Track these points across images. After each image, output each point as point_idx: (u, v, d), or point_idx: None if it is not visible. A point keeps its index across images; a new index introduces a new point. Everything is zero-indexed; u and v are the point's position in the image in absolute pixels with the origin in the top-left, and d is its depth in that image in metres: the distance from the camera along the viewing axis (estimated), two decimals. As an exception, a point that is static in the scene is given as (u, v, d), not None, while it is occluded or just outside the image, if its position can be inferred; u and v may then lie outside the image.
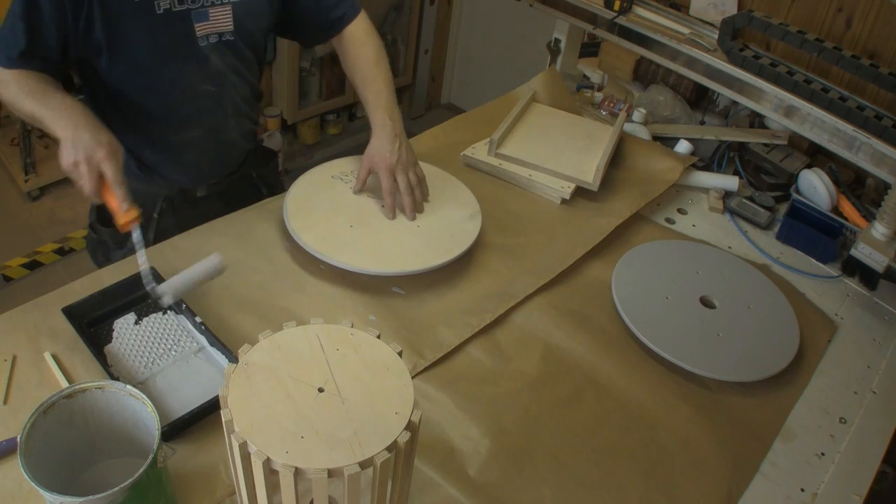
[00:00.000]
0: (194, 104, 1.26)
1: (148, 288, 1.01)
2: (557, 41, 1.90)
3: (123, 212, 1.00)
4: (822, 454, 1.03)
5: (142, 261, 1.01)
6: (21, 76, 1.10)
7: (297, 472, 0.64)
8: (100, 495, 0.70)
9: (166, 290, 1.00)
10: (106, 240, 1.35)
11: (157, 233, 1.36)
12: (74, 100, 1.09)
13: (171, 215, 1.37)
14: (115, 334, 1.04)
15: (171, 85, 1.22)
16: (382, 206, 1.30)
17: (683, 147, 1.60)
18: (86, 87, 1.24)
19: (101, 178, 1.01)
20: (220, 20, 1.20)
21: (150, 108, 1.23)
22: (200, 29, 1.18)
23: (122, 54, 1.15)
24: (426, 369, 1.07)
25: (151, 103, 1.23)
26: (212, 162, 1.37)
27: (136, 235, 1.02)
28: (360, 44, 1.35)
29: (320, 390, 0.71)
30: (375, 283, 1.19)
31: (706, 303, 1.24)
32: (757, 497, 0.96)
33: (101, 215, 1.36)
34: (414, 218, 1.28)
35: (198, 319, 1.04)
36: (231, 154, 1.40)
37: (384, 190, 1.27)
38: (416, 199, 1.28)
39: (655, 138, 1.64)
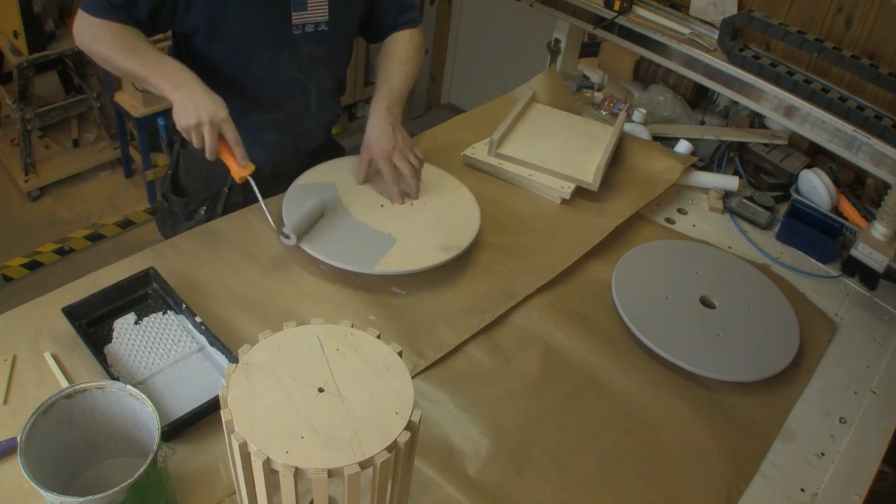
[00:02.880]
0: (281, 88, 1.30)
1: (279, 231, 1.16)
2: (557, 41, 1.90)
3: (242, 167, 1.13)
4: (822, 454, 1.03)
5: (265, 208, 1.17)
6: (119, 31, 1.13)
7: (297, 472, 0.64)
8: (100, 495, 0.70)
9: (291, 232, 1.15)
10: (177, 209, 1.41)
11: (225, 206, 1.40)
12: (177, 61, 1.13)
13: (239, 191, 1.40)
14: (115, 334, 1.04)
15: (261, 68, 1.26)
16: (382, 206, 1.30)
17: (683, 147, 1.60)
18: (176, 54, 1.27)
19: (219, 137, 1.11)
20: (317, 10, 1.24)
21: (238, 87, 1.26)
22: (297, 18, 1.22)
23: (219, 35, 1.19)
24: (426, 369, 1.07)
25: (239, 82, 1.26)
26: (288, 146, 1.40)
27: (253, 185, 1.15)
28: (399, 44, 1.38)
29: (320, 390, 0.71)
30: (375, 283, 1.19)
31: (706, 303, 1.24)
32: (757, 497, 0.96)
33: (176, 185, 1.43)
34: (417, 197, 1.30)
35: (198, 319, 1.04)
36: (307, 141, 1.44)
37: (387, 179, 1.27)
38: (419, 182, 1.30)
39: (655, 138, 1.64)
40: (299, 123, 1.38)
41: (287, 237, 1.16)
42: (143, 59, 1.12)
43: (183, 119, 1.08)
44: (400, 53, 1.37)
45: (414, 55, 1.38)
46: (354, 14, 1.34)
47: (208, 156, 1.12)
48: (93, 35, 1.13)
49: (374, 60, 3.62)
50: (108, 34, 1.12)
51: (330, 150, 1.55)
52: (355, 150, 1.38)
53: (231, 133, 1.11)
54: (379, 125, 1.27)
